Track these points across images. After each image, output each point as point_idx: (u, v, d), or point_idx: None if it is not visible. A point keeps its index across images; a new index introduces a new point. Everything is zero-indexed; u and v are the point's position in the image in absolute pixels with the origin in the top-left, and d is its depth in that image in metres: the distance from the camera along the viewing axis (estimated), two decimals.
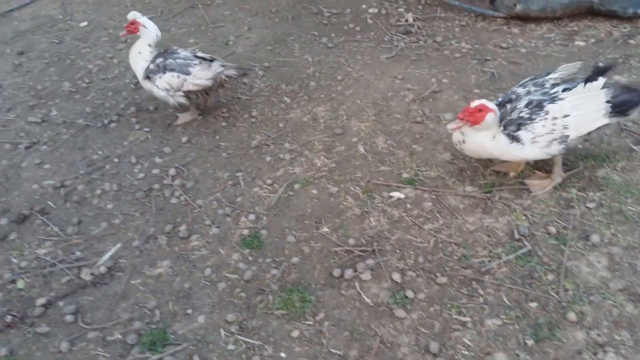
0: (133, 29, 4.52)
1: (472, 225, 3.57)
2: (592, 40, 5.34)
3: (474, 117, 3.42)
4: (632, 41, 5.25)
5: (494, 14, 5.88)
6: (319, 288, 3.28)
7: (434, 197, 3.81)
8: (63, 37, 6.48)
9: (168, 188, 4.11)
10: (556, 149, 3.47)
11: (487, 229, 3.54)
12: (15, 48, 6.29)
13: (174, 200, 4.01)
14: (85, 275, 3.48)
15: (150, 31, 4.53)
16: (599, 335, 2.85)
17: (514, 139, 3.46)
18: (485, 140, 3.52)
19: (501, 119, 3.52)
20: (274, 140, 4.49)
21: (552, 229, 3.45)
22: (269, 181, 4.08)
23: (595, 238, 3.34)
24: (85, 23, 6.74)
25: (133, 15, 4.54)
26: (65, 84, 5.52)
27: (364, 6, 6.43)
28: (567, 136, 3.42)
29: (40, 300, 3.33)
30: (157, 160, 4.39)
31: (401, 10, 6.29)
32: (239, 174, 4.18)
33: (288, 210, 3.84)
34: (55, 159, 4.53)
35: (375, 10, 6.34)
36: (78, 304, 3.32)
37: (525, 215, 3.57)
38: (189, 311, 3.23)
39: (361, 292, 3.23)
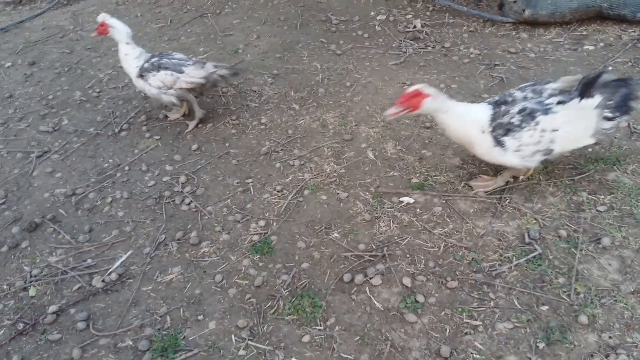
0: (102, 30, 4.68)
1: (482, 229, 3.56)
2: (602, 44, 5.33)
3: (411, 103, 3.40)
4: None
5: (502, 19, 5.88)
6: (329, 293, 3.28)
7: (444, 201, 3.80)
8: (74, 47, 6.55)
9: (178, 195, 4.13)
10: (536, 160, 3.48)
11: (497, 232, 3.53)
12: (27, 58, 6.37)
13: (184, 207, 4.02)
14: (97, 282, 3.49)
15: (119, 30, 4.66)
16: (610, 337, 2.84)
17: (499, 143, 3.44)
18: (472, 130, 3.48)
19: (493, 120, 3.47)
20: (283, 146, 4.50)
21: (563, 233, 3.44)
22: (278, 187, 4.09)
23: (606, 241, 3.33)
24: (95, 33, 6.80)
25: (102, 17, 4.67)
26: (76, 93, 5.57)
27: (372, 13, 6.45)
28: (552, 150, 3.43)
29: (52, 308, 3.35)
30: (168, 167, 4.42)
31: (409, 16, 6.30)
32: (249, 180, 4.19)
33: (298, 216, 3.85)
34: (66, 167, 4.56)
35: (384, 17, 6.35)
36: (89, 311, 3.34)
37: (535, 218, 3.56)
38: (200, 317, 3.23)
39: (372, 297, 3.23)
